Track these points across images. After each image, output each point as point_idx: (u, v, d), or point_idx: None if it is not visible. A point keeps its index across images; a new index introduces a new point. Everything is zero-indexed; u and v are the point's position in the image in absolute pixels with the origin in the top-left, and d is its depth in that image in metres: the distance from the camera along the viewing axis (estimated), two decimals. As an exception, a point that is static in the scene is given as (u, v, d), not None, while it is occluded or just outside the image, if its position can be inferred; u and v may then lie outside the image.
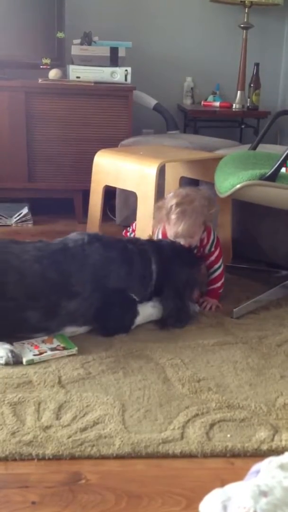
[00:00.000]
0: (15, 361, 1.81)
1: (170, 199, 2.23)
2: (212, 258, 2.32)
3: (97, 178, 2.70)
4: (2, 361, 1.81)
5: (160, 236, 2.32)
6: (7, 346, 1.85)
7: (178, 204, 2.19)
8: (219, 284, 2.32)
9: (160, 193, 2.66)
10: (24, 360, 1.82)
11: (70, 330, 2.00)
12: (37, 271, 1.93)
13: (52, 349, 1.89)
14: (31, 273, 1.92)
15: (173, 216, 2.19)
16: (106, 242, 2.08)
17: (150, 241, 2.25)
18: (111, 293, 2.02)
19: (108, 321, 2.02)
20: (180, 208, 2.18)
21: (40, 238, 2.16)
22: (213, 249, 2.32)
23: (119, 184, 2.62)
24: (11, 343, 1.89)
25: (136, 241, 2.21)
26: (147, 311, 2.13)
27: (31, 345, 1.90)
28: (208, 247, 2.31)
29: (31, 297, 1.91)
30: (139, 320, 2.09)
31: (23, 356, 1.84)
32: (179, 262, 2.17)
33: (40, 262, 1.95)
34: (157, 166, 2.36)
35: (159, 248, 2.19)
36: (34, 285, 1.92)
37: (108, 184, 2.66)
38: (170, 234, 2.23)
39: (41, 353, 1.86)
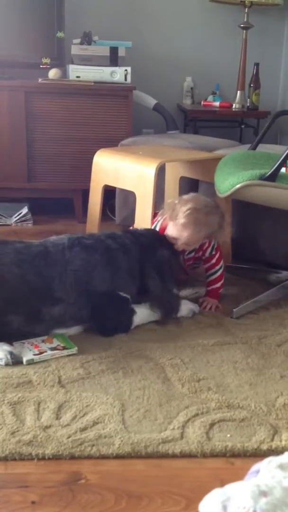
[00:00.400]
0: (15, 362, 1.81)
1: (187, 201, 2.19)
2: (213, 261, 2.32)
3: (97, 178, 2.70)
4: (2, 362, 1.81)
5: (157, 228, 2.31)
6: (6, 347, 1.85)
7: (194, 210, 2.15)
8: (218, 284, 2.32)
9: (159, 193, 2.67)
10: (24, 360, 1.82)
11: (60, 332, 1.99)
12: (17, 275, 1.90)
13: (52, 349, 1.89)
14: (11, 277, 1.90)
15: (183, 220, 2.15)
16: (86, 245, 2.04)
17: (128, 232, 2.24)
18: (98, 296, 2.00)
19: (105, 322, 2.02)
20: (195, 216, 2.15)
21: (20, 239, 2.13)
22: (213, 252, 2.32)
23: (118, 184, 2.62)
24: (11, 343, 1.89)
25: (113, 235, 2.15)
26: (146, 311, 2.12)
27: (31, 345, 1.90)
28: (209, 250, 2.31)
29: (11, 301, 1.89)
30: (138, 319, 2.09)
31: (23, 355, 1.84)
32: (158, 245, 2.16)
33: (20, 266, 1.92)
34: (156, 166, 2.36)
35: (138, 238, 2.17)
36: (14, 290, 1.89)
37: (107, 183, 2.66)
38: (172, 233, 2.21)
39: (41, 353, 1.86)
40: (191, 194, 2.29)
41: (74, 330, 2.02)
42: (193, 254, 2.32)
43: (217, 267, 2.32)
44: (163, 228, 2.27)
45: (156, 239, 2.21)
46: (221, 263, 2.33)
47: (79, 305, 1.98)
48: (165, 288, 2.15)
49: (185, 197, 2.26)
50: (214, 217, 2.18)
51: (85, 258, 2.00)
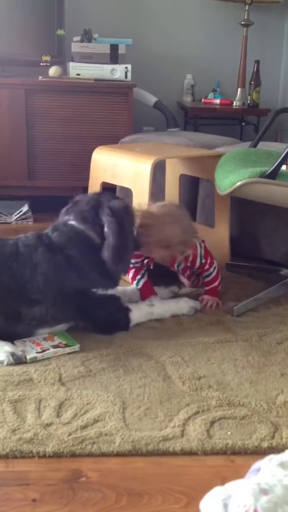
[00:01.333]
0: (18, 362, 1.81)
1: (154, 206, 2.19)
2: (206, 266, 2.29)
3: (95, 175, 2.70)
4: (4, 364, 1.80)
5: None
6: (8, 348, 1.84)
7: (152, 216, 2.15)
8: (216, 283, 2.31)
9: (160, 190, 2.67)
10: (27, 358, 1.83)
11: (44, 331, 1.97)
12: None
13: (54, 347, 1.89)
14: None
15: (142, 219, 2.13)
16: (48, 245, 1.97)
17: (67, 216, 2.10)
18: (76, 294, 1.97)
19: (99, 323, 2.01)
20: (151, 221, 2.13)
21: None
22: (203, 260, 2.28)
23: (115, 181, 2.62)
24: (12, 341, 1.89)
25: (65, 225, 2.04)
26: (145, 309, 2.12)
27: (33, 343, 1.91)
28: (198, 260, 2.27)
29: None
30: (136, 317, 2.08)
31: (26, 353, 1.84)
32: (106, 205, 2.03)
33: None
34: (152, 162, 2.36)
35: (82, 215, 2.04)
36: None
37: (105, 180, 2.66)
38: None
39: (43, 351, 1.86)
40: (164, 202, 2.27)
41: (60, 327, 2.00)
42: (182, 265, 2.30)
43: (211, 269, 2.30)
44: None
45: (98, 203, 2.06)
46: (214, 264, 2.30)
47: (60, 306, 1.95)
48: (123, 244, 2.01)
49: (158, 203, 2.23)
50: (169, 228, 2.12)
51: (49, 260, 1.93)
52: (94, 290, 2.00)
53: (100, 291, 2.02)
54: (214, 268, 2.31)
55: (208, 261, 2.29)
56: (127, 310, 2.06)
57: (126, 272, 2.22)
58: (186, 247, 2.19)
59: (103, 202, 2.05)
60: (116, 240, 1.96)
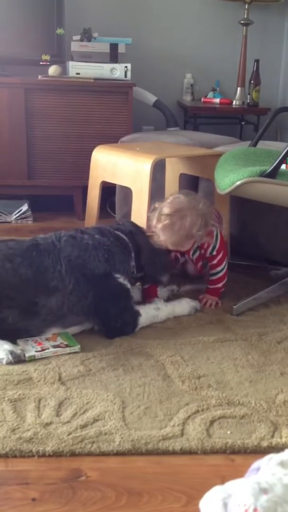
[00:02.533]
0: (17, 361, 1.81)
1: (164, 206, 2.19)
2: (214, 261, 2.30)
3: (95, 174, 2.70)
4: (3, 362, 1.80)
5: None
6: (7, 346, 1.84)
7: (168, 215, 2.15)
8: (220, 285, 2.32)
9: (160, 190, 2.67)
10: (26, 356, 1.83)
11: (56, 331, 1.97)
12: (9, 269, 1.90)
13: (55, 346, 1.89)
14: (3, 271, 1.90)
15: (159, 225, 2.16)
16: (71, 235, 2.06)
17: (111, 224, 2.23)
18: (97, 279, 1.99)
19: (109, 322, 2.00)
20: (169, 221, 2.14)
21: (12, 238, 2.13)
22: (215, 253, 2.29)
23: (115, 180, 2.62)
24: (15, 341, 1.89)
25: (101, 226, 2.18)
26: (151, 312, 2.12)
27: (35, 342, 1.91)
28: (209, 250, 2.29)
29: (4, 296, 1.88)
30: (142, 320, 2.07)
31: (25, 352, 1.84)
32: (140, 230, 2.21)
33: (12, 260, 1.92)
34: (152, 161, 2.36)
35: (122, 227, 2.20)
36: (7, 284, 1.89)
37: (105, 179, 2.66)
38: (157, 237, 2.20)
39: (43, 350, 1.86)
40: (172, 197, 2.25)
41: (72, 330, 2.00)
42: (198, 253, 2.32)
43: (219, 268, 2.30)
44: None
45: (134, 226, 2.23)
46: (224, 264, 2.31)
47: (78, 294, 1.96)
48: (159, 263, 2.21)
49: (167, 200, 2.23)
50: (189, 219, 2.14)
51: (74, 244, 2.01)
52: (117, 275, 2.03)
53: (122, 279, 2.05)
54: (222, 269, 2.31)
55: (219, 257, 2.29)
56: (137, 314, 2.06)
57: (169, 273, 2.28)
58: (207, 230, 2.20)
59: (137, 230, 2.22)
60: (150, 245, 2.17)
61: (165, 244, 2.20)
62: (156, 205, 2.24)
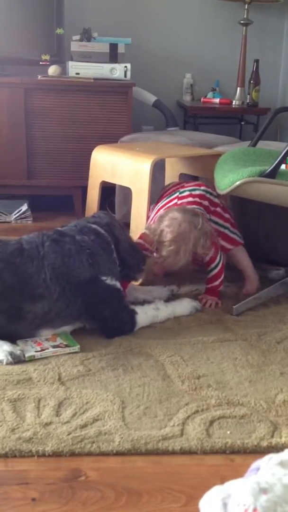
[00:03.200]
0: (16, 362, 1.81)
1: (166, 231, 2.17)
2: (207, 258, 2.28)
3: (94, 174, 2.70)
4: (3, 363, 1.80)
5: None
6: (6, 347, 1.84)
7: (172, 241, 2.15)
8: (217, 282, 2.32)
9: (159, 189, 2.66)
10: (25, 356, 1.83)
11: (47, 333, 1.96)
12: None
13: (54, 346, 1.89)
14: None
15: (164, 252, 2.17)
16: (56, 238, 2.00)
17: (84, 218, 2.20)
18: (84, 285, 1.96)
19: (106, 323, 2.00)
20: (174, 247, 2.15)
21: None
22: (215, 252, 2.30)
23: (115, 180, 2.62)
24: (15, 341, 1.90)
25: (78, 223, 2.13)
26: (150, 312, 2.12)
27: (35, 342, 1.91)
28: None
29: None
30: (142, 320, 2.07)
31: (25, 352, 1.84)
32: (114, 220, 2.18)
33: None
34: (152, 161, 2.36)
35: (99, 219, 2.14)
36: None
37: (104, 179, 2.66)
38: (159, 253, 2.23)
39: (43, 350, 1.86)
40: (169, 217, 2.21)
41: (62, 330, 1.99)
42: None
43: (213, 264, 2.29)
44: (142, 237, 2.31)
45: (109, 217, 2.19)
46: (218, 260, 2.30)
47: (65, 300, 1.94)
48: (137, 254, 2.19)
49: (164, 223, 2.19)
50: (192, 242, 2.15)
51: (57, 250, 1.96)
52: (103, 278, 1.99)
53: (109, 281, 2.00)
54: (217, 264, 2.30)
55: (211, 253, 2.27)
56: (133, 312, 2.06)
57: (144, 262, 2.24)
58: (211, 242, 2.21)
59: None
60: (126, 237, 2.14)
61: (171, 268, 2.24)
62: (155, 226, 2.21)
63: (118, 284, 2.05)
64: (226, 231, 2.40)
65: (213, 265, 2.30)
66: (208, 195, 2.37)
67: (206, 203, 2.35)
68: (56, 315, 1.95)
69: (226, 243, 2.38)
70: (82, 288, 1.95)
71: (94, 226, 2.09)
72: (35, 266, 1.91)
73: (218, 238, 2.35)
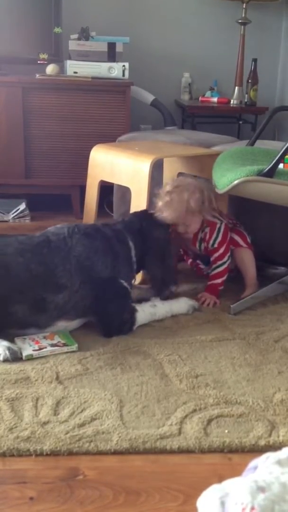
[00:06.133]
0: (13, 358, 1.81)
1: (164, 186, 2.33)
2: (216, 254, 2.34)
3: (93, 173, 2.70)
4: (0, 358, 1.81)
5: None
6: (5, 343, 1.85)
7: (168, 192, 2.27)
8: (219, 280, 2.33)
9: (158, 189, 2.66)
10: (23, 355, 1.83)
11: (62, 325, 1.99)
12: (20, 264, 1.92)
13: (52, 345, 1.89)
14: (14, 266, 1.92)
15: (160, 203, 2.27)
16: (86, 233, 2.06)
17: (120, 221, 2.26)
18: (102, 282, 2.01)
19: (108, 319, 2.01)
20: (168, 198, 2.25)
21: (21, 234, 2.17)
22: (216, 245, 2.33)
23: (114, 179, 2.62)
24: (12, 339, 1.90)
25: (108, 224, 2.20)
26: (148, 310, 2.12)
27: (32, 341, 1.91)
28: (211, 242, 2.33)
29: (16, 290, 1.90)
30: (140, 318, 2.07)
31: (22, 351, 1.84)
32: (151, 228, 2.22)
33: (23, 255, 1.94)
34: (151, 161, 2.36)
35: (131, 225, 2.21)
36: (18, 279, 1.91)
37: (103, 179, 2.66)
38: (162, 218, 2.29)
39: (40, 349, 1.86)
40: (172, 178, 2.42)
41: (76, 323, 2.03)
42: (203, 246, 2.36)
43: (220, 262, 2.33)
44: None
45: (145, 221, 2.25)
46: (226, 259, 2.34)
47: (83, 292, 1.98)
48: (166, 268, 2.23)
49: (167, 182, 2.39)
50: (187, 193, 2.25)
51: (86, 244, 2.02)
52: (121, 281, 2.06)
53: (124, 283, 2.07)
54: (224, 262, 2.33)
55: (221, 251, 2.34)
56: (134, 310, 2.07)
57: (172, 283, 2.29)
58: (211, 208, 2.30)
59: (148, 228, 2.23)
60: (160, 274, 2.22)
61: (170, 222, 2.27)
62: (159, 190, 2.34)
63: (129, 286, 2.11)
64: (241, 229, 2.46)
65: (220, 262, 2.33)
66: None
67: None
68: (72, 307, 1.99)
69: (240, 239, 2.42)
70: (98, 284, 2.01)
71: (128, 239, 2.16)
72: (61, 256, 1.97)
73: (232, 234, 2.39)
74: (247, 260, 2.41)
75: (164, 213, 2.25)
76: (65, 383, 1.71)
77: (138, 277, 2.33)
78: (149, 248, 2.19)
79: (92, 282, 2.00)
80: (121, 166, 2.51)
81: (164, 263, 2.22)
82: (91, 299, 2.01)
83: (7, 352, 1.81)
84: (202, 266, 2.51)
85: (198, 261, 2.53)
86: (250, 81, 3.78)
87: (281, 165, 2.04)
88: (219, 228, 2.34)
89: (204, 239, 2.34)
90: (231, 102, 3.81)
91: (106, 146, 2.71)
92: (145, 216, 2.27)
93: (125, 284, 2.08)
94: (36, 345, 1.88)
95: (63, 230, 2.06)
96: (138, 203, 2.41)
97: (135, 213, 2.31)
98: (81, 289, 1.98)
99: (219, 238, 2.33)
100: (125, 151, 2.56)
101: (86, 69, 3.34)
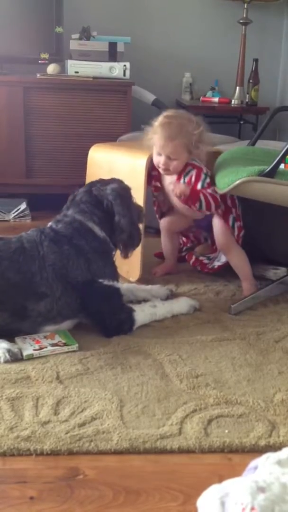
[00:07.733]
0: (14, 359, 1.81)
1: (158, 117, 2.32)
2: (207, 213, 2.31)
3: (92, 172, 2.71)
4: (1, 361, 1.80)
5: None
6: (4, 344, 1.84)
7: (167, 116, 2.29)
8: (205, 193, 2.25)
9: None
10: (23, 355, 1.83)
11: (50, 329, 1.97)
12: None
13: (53, 345, 1.89)
14: None
15: (156, 124, 2.27)
16: (52, 239, 1.99)
17: (70, 204, 2.16)
18: (82, 286, 1.97)
19: (105, 322, 2.00)
20: (167, 120, 2.26)
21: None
22: (205, 185, 2.27)
23: (111, 177, 2.62)
24: (13, 338, 1.90)
25: (59, 220, 2.09)
26: (148, 310, 2.11)
27: (33, 340, 1.91)
28: (200, 184, 2.26)
29: None
30: (140, 318, 2.06)
31: (23, 350, 1.84)
32: (102, 190, 2.12)
33: (0, 263, 1.90)
34: (147, 157, 2.37)
35: (81, 203, 2.10)
36: None
37: (101, 177, 2.66)
38: (154, 157, 2.30)
39: (41, 348, 1.86)
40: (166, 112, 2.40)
41: (65, 325, 2.01)
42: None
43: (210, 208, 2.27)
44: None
45: (94, 187, 2.16)
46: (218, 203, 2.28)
47: (67, 299, 1.96)
48: (132, 223, 2.12)
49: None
50: (188, 122, 2.26)
51: (57, 251, 1.97)
52: (100, 280, 2.01)
53: (106, 282, 2.02)
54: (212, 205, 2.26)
55: (210, 210, 2.28)
56: (131, 310, 2.05)
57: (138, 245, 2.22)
58: (203, 143, 2.28)
59: (98, 189, 2.13)
60: (126, 224, 2.08)
61: (158, 148, 2.26)
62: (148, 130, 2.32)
63: (116, 284, 2.06)
64: (239, 225, 2.41)
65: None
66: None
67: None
68: (58, 313, 1.96)
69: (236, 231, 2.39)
70: (80, 289, 1.97)
71: (89, 224, 2.07)
72: (37, 265, 1.93)
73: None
74: (238, 259, 2.39)
75: (157, 135, 2.24)
76: (66, 382, 1.71)
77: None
78: (110, 205, 2.08)
79: (73, 288, 1.96)
80: (118, 164, 2.52)
81: (130, 211, 2.11)
82: (77, 305, 1.98)
83: (7, 354, 1.81)
84: (206, 261, 2.50)
85: (201, 258, 2.52)
86: (251, 81, 3.78)
87: (282, 166, 2.04)
88: (206, 175, 2.28)
89: (189, 182, 2.27)
90: (232, 102, 3.81)
91: (104, 145, 2.72)
92: (91, 184, 2.18)
93: (106, 282, 2.02)
94: (36, 344, 1.88)
95: (33, 237, 2.00)
96: (135, 199, 2.41)
97: (81, 189, 2.19)
98: (64, 295, 1.95)
99: (206, 184, 2.26)
100: (122, 149, 2.57)
101: (87, 69, 3.34)
